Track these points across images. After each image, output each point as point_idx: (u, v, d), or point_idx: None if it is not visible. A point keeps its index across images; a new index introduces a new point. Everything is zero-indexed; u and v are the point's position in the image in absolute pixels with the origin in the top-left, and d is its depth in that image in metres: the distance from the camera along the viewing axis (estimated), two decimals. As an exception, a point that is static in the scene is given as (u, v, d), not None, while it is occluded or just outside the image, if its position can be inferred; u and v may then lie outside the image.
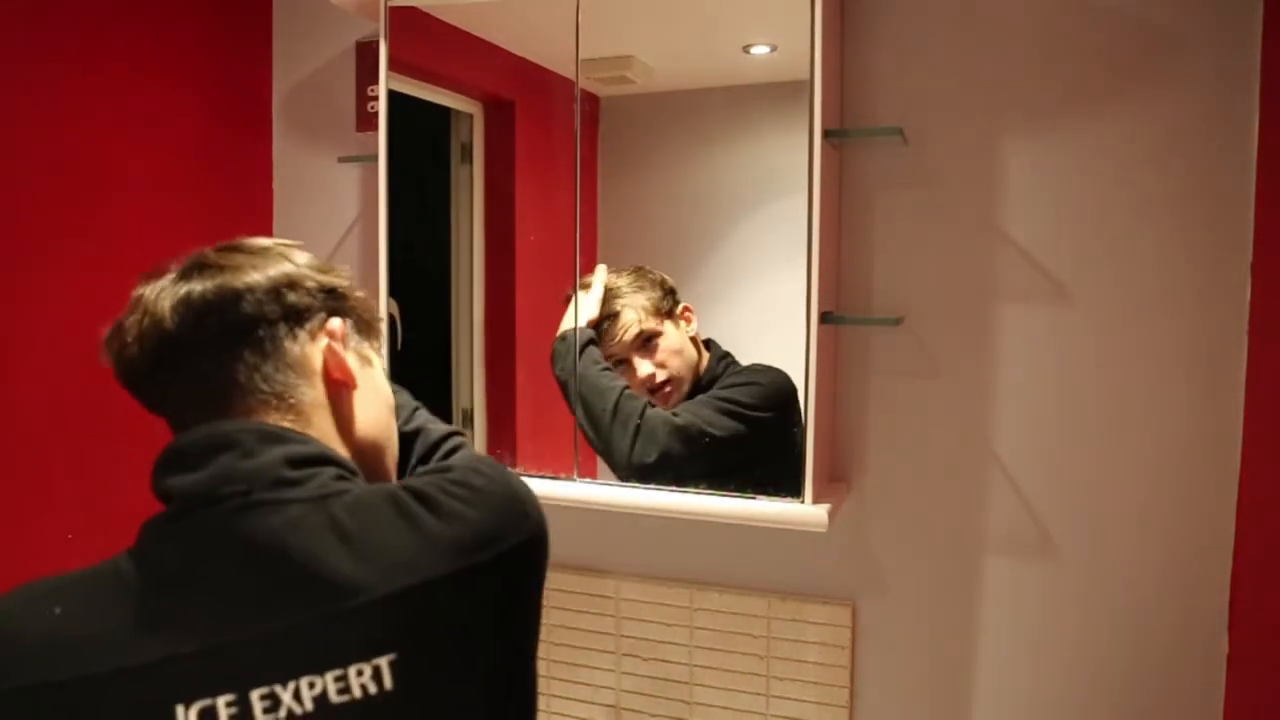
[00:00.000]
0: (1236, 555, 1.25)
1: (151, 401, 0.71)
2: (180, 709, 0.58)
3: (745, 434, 1.33)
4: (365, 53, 1.66)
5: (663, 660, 1.53)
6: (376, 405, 0.77)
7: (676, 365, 1.40)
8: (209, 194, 1.65)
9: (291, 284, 0.71)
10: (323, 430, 0.71)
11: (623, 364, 1.41)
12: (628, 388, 1.37)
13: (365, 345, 0.78)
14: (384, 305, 1.49)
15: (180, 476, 0.64)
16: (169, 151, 1.57)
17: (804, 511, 1.26)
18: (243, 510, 0.62)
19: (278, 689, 0.59)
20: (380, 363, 0.81)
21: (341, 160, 1.66)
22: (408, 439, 0.89)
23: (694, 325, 1.42)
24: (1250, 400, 1.24)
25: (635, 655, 1.55)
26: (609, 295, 1.40)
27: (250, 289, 0.69)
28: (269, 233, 1.78)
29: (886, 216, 1.39)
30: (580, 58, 1.37)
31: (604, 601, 1.56)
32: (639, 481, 1.35)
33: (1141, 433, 1.30)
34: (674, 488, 1.33)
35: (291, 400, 0.70)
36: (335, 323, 0.74)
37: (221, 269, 0.70)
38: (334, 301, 0.75)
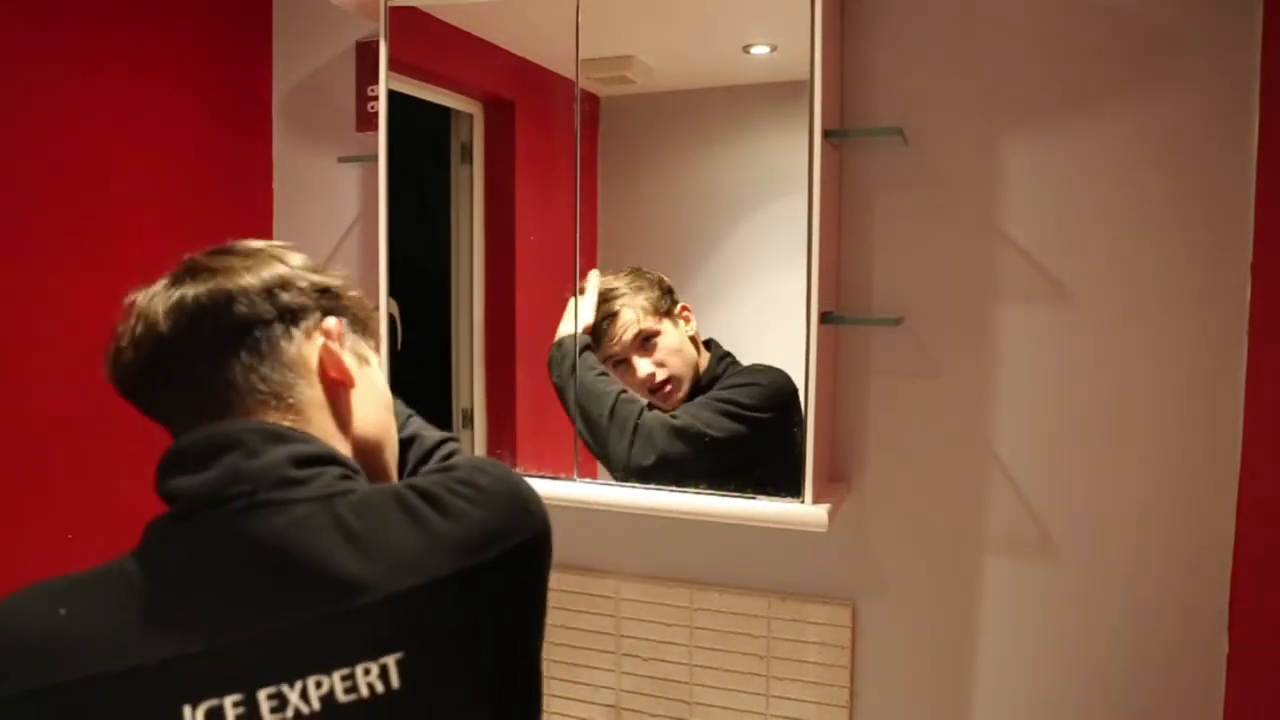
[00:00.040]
0: (1236, 555, 1.25)
1: (149, 407, 0.71)
2: (187, 709, 0.58)
3: (745, 434, 1.33)
4: (365, 53, 1.66)
5: (663, 660, 1.53)
6: (375, 404, 0.77)
7: (676, 364, 1.40)
8: (209, 194, 1.65)
9: (285, 284, 0.71)
10: (322, 429, 0.71)
11: (622, 364, 1.41)
12: (624, 391, 1.37)
13: (361, 344, 0.78)
14: (384, 305, 1.49)
15: (185, 477, 0.64)
16: (169, 151, 1.57)
17: (804, 511, 1.26)
18: (248, 510, 0.62)
19: (284, 689, 0.59)
20: (377, 361, 0.81)
21: (341, 160, 1.66)
22: (402, 446, 0.89)
23: (693, 324, 1.42)
24: (1250, 400, 1.24)
25: (635, 655, 1.55)
26: (607, 296, 1.40)
27: (244, 290, 0.69)
28: (269, 233, 1.78)
29: (886, 216, 1.39)
30: (580, 58, 1.37)
31: (604, 601, 1.56)
32: (639, 483, 1.35)
33: (1141, 433, 1.30)
34: (674, 488, 1.33)
35: (290, 400, 0.70)
36: (331, 321, 0.74)
37: (214, 272, 0.70)
38: (328, 301, 0.75)
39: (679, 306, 1.42)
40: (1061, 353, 1.33)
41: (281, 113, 1.78)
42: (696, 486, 1.32)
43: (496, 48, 1.48)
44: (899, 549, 1.42)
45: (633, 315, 1.39)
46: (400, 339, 1.52)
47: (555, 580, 0.74)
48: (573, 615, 1.57)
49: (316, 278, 0.74)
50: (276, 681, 0.59)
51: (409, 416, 0.95)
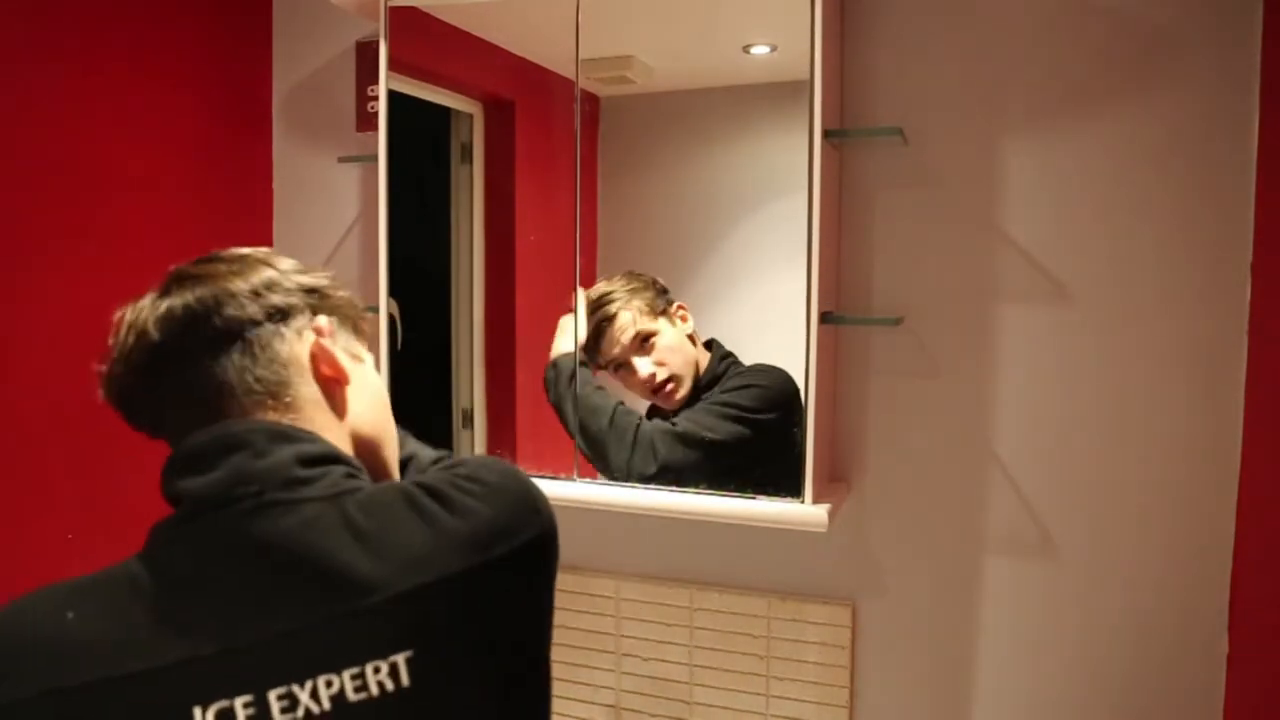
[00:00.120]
0: (1236, 555, 1.25)
1: (146, 419, 0.70)
2: (198, 711, 0.58)
3: (747, 436, 1.33)
4: (365, 53, 1.66)
5: (663, 660, 1.53)
6: (371, 400, 0.77)
7: (676, 363, 1.40)
8: (209, 194, 1.65)
9: (272, 286, 0.71)
10: (322, 427, 0.71)
11: (623, 367, 1.41)
12: (621, 403, 1.38)
13: (354, 343, 0.78)
14: (384, 305, 1.49)
15: (191, 479, 0.64)
16: (169, 151, 1.57)
17: (804, 511, 1.26)
18: (256, 511, 0.62)
19: (295, 689, 0.59)
20: (372, 361, 0.81)
21: (341, 160, 1.66)
22: (401, 467, 0.89)
23: (690, 323, 1.42)
24: (1250, 400, 1.24)
25: (635, 655, 1.55)
26: (602, 300, 1.40)
27: (232, 294, 0.69)
28: (269, 233, 1.78)
29: (886, 216, 1.39)
30: (580, 58, 1.37)
31: (604, 601, 1.56)
32: (639, 484, 1.35)
33: (1141, 433, 1.30)
34: (674, 488, 1.33)
35: (287, 398, 0.70)
36: (322, 320, 0.74)
37: (201, 279, 0.70)
38: (317, 300, 0.75)
39: (674, 306, 1.42)
40: (1061, 353, 1.33)
41: (281, 113, 1.78)
42: (696, 487, 1.32)
43: (496, 48, 1.48)
44: (899, 549, 1.42)
45: (630, 317, 1.39)
46: (400, 339, 1.52)
47: (556, 580, 0.74)
48: (573, 615, 1.57)
49: (303, 278, 0.75)
50: (287, 682, 0.59)
51: (404, 435, 0.96)
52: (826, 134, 1.25)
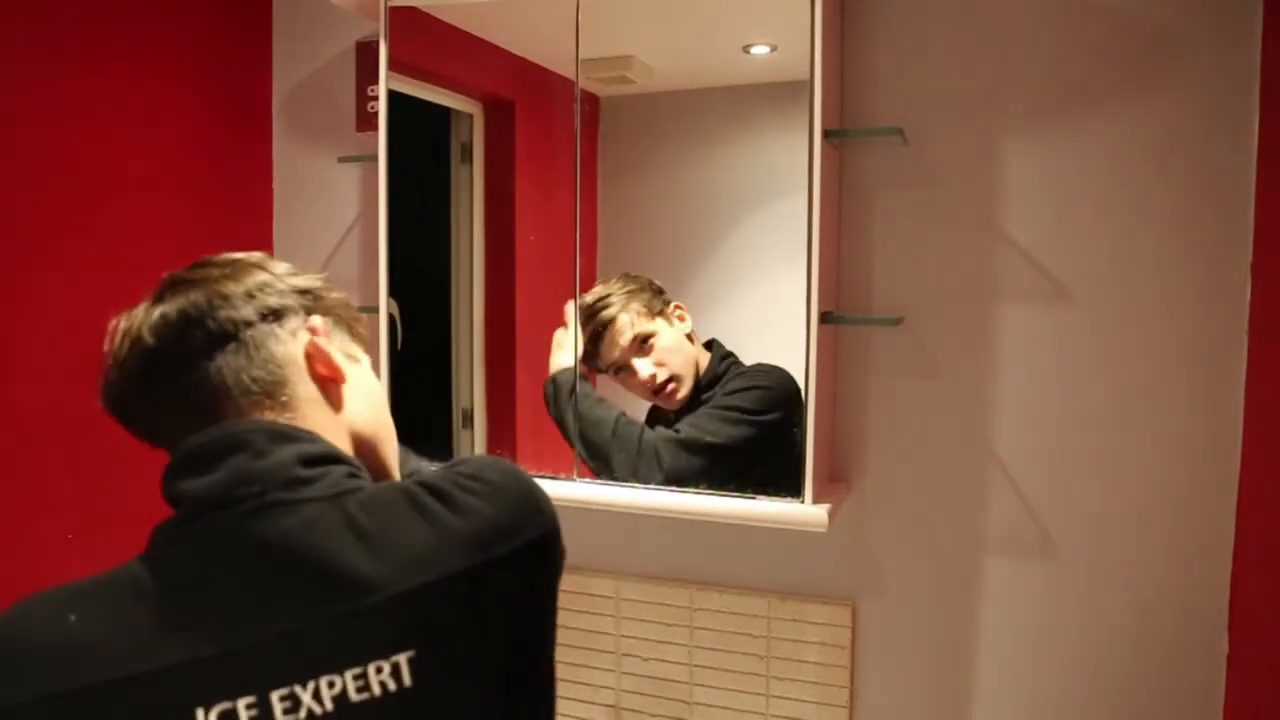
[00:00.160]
0: (1236, 555, 1.25)
1: (143, 425, 0.71)
2: (200, 712, 0.58)
3: (751, 438, 1.33)
4: (365, 53, 1.66)
5: (663, 660, 1.53)
6: (368, 399, 0.77)
7: (676, 362, 1.40)
8: (209, 194, 1.65)
9: (264, 287, 0.72)
10: (319, 426, 0.71)
11: (624, 370, 1.41)
12: (623, 414, 1.38)
13: (350, 344, 0.78)
14: (384, 305, 1.49)
15: (192, 480, 0.64)
16: (169, 151, 1.57)
17: (804, 511, 1.26)
18: (257, 512, 0.62)
19: (297, 689, 0.59)
20: (368, 363, 0.80)
21: (341, 160, 1.66)
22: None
23: (688, 323, 1.42)
24: (1250, 400, 1.24)
25: (635, 655, 1.55)
26: (599, 305, 1.40)
27: (226, 296, 0.69)
28: (269, 233, 1.78)
29: (886, 216, 1.39)
30: (580, 58, 1.37)
31: (604, 601, 1.56)
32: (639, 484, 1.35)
33: (1141, 433, 1.30)
34: (674, 488, 1.33)
35: (284, 398, 0.70)
36: (316, 320, 0.74)
37: (194, 283, 0.70)
38: (310, 301, 0.75)
39: (672, 306, 1.42)
40: (1061, 353, 1.33)
41: (281, 113, 1.78)
42: (697, 487, 1.32)
43: (496, 48, 1.48)
44: (899, 549, 1.42)
45: (628, 319, 1.40)
46: (400, 339, 1.52)
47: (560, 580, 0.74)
48: (573, 615, 1.57)
49: (297, 280, 0.75)
50: (289, 682, 0.59)
51: (406, 454, 0.96)
52: (826, 134, 1.25)
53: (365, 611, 0.61)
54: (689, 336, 1.42)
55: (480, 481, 0.68)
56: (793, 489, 1.27)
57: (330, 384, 0.73)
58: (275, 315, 0.71)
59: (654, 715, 1.55)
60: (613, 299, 1.40)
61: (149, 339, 0.68)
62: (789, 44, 1.27)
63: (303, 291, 0.74)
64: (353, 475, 0.68)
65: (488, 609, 0.65)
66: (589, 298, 1.41)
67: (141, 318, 0.69)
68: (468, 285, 1.55)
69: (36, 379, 1.34)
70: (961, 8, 1.34)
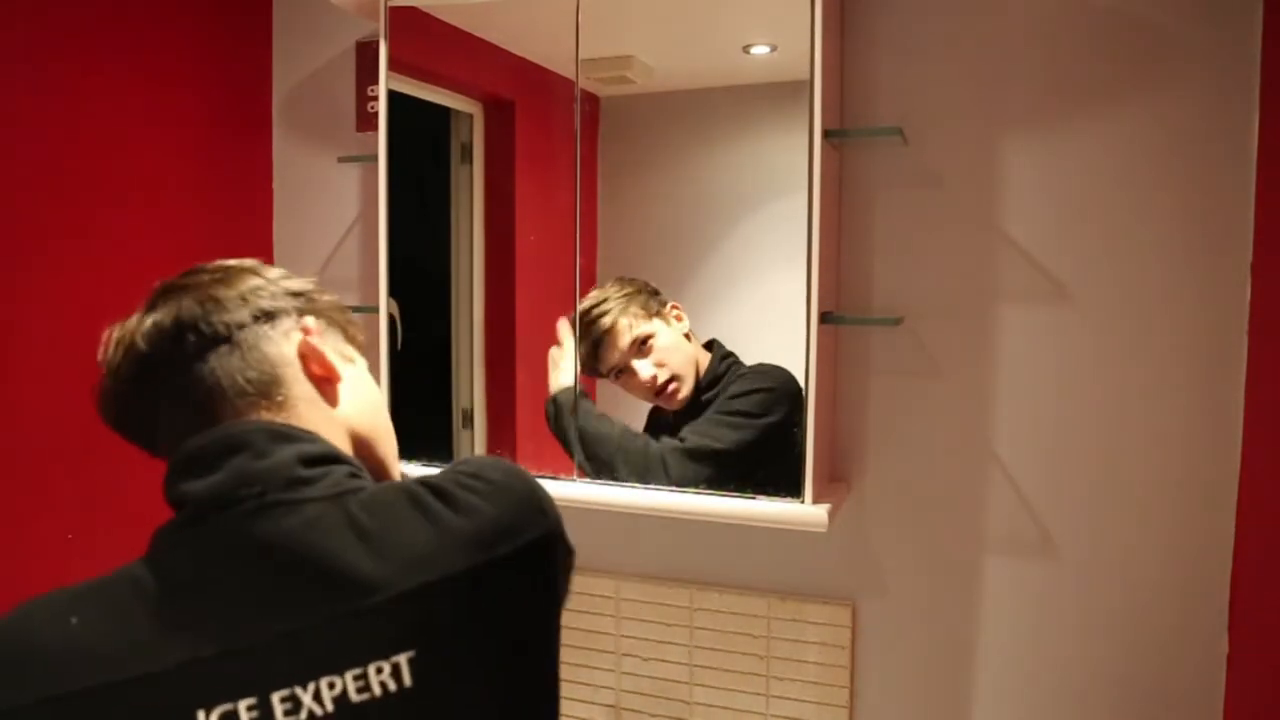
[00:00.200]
0: (1236, 555, 1.25)
1: (141, 433, 0.71)
2: (201, 714, 0.58)
3: (755, 442, 1.33)
4: (365, 53, 1.66)
5: (663, 660, 1.53)
6: (364, 398, 0.77)
7: (676, 361, 1.40)
8: (209, 194, 1.65)
9: (257, 291, 0.72)
10: (317, 425, 0.71)
11: (624, 372, 1.41)
12: (627, 428, 1.38)
13: (344, 346, 0.78)
14: (384, 305, 1.49)
15: (193, 481, 0.64)
16: (169, 152, 1.57)
17: (804, 511, 1.26)
18: (258, 512, 0.62)
19: (298, 690, 0.59)
20: (364, 365, 0.80)
21: (341, 160, 1.66)
22: None
23: (685, 322, 1.42)
24: (1250, 400, 1.24)
25: (635, 655, 1.55)
26: (596, 310, 1.40)
27: (218, 300, 0.70)
28: (269, 233, 1.78)
29: (886, 216, 1.39)
30: (580, 58, 1.37)
31: (604, 601, 1.56)
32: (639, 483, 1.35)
33: (1141, 433, 1.30)
34: (674, 488, 1.33)
35: (279, 398, 0.70)
36: (309, 320, 0.74)
37: (186, 289, 0.70)
38: (304, 304, 0.75)
39: (668, 306, 1.42)
40: (1061, 353, 1.33)
41: (281, 113, 1.78)
42: (697, 487, 1.32)
43: (496, 48, 1.48)
44: (899, 549, 1.42)
45: (625, 322, 1.40)
46: (400, 339, 1.52)
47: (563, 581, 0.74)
48: (573, 615, 1.57)
49: (289, 283, 0.75)
50: (290, 684, 0.59)
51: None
52: (826, 134, 1.25)
53: (366, 611, 0.61)
54: (687, 336, 1.42)
55: (483, 481, 0.68)
56: (793, 489, 1.27)
57: (325, 383, 0.73)
58: (268, 317, 0.72)
59: (654, 715, 1.55)
60: (609, 304, 1.40)
61: (143, 346, 0.68)
62: (789, 44, 1.27)
63: (295, 294, 0.75)
64: (354, 475, 0.68)
65: (489, 609, 0.65)
66: (585, 304, 1.40)
67: (134, 326, 0.69)
68: (468, 285, 1.55)
69: (36, 379, 1.34)
70: (961, 8, 1.34)
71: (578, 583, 1.55)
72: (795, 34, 1.23)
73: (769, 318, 1.34)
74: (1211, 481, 1.27)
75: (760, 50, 1.35)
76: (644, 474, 1.35)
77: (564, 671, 1.68)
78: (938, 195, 1.37)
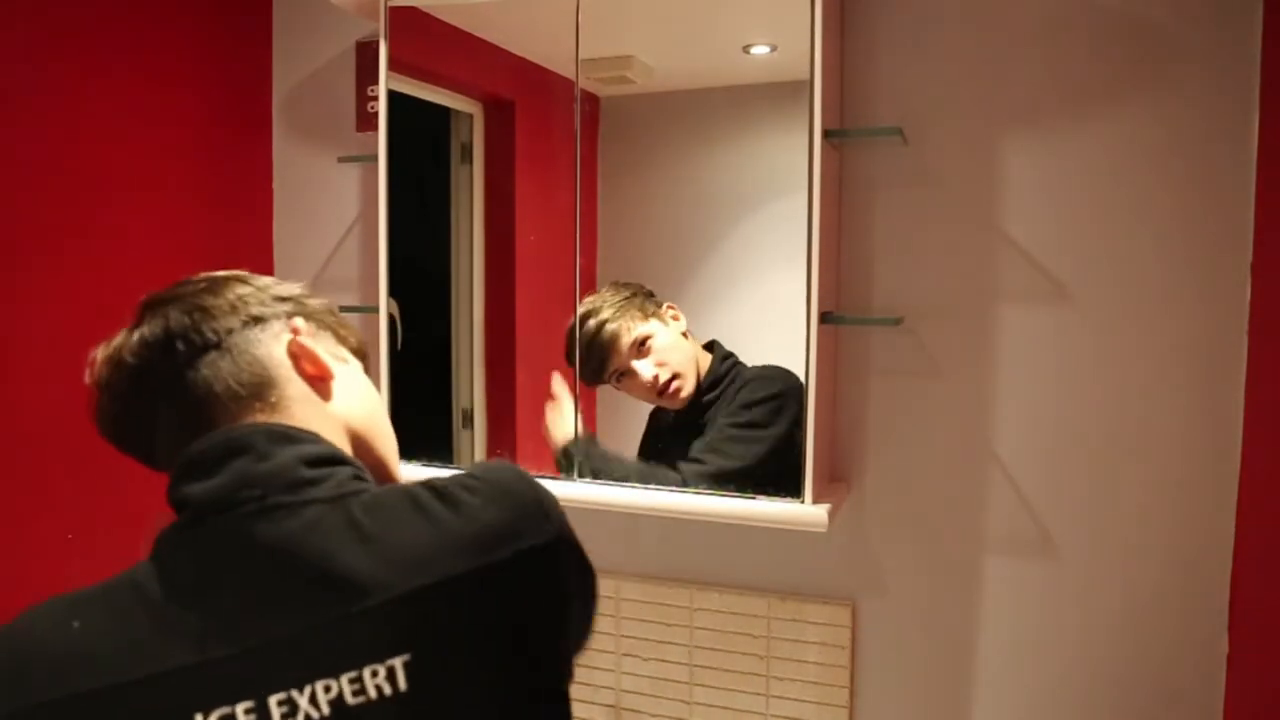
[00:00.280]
0: (1236, 555, 1.25)
1: (140, 445, 0.71)
2: (199, 717, 0.58)
3: (770, 451, 1.33)
4: (365, 53, 1.66)
5: (663, 660, 1.53)
6: (360, 396, 0.77)
7: (676, 360, 1.41)
8: (209, 194, 1.65)
9: (245, 298, 0.72)
10: (313, 425, 0.70)
11: (625, 375, 1.41)
12: (644, 465, 1.39)
13: (336, 347, 0.78)
14: (384, 305, 1.49)
15: (194, 484, 0.64)
16: (169, 151, 1.57)
17: (804, 511, 1.26)
18: (258, 515, 0.62)
19: (294, 694, 0.59)
20: (359, 366, 0.80)
21: (341, 160, 1.66)
22: None
23: (683, 322, 1.42)
24: (1250, 400, 1.24)
25: (635, 655, 1.55)
26: (595, 324, 1.40)
27: (205, 309, 0.70)
28: (269, 233, 1.78)
29: (886, 216, 1.39)
30: (580, 58, 1.37)
31: (604, 601, 1.56)
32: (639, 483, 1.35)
33: (1141, 433, 1.30)
34: (674, 488, 1.33)
35: (273, 399, 0.70)
36: (298, 321, 0.74)
37: (172, 301, 0.71)
38: (293, 307, 0.75)
39: (664, 307, 1.42)
40: (1061, 353, 1.33)
41: (281, 113, 1.78)
42: (683, 475, 1.32)
43: (496, 48, 1.48)
44: (899, 549, 1.42)
45: (624, 325, 1.40)
46: (400, 339, 1.52)
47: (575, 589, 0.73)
48: (573, 615, 1.57)
49: (277, 289, 0.75)
50: (287, 687, 0.59)
51: None
52: (826, 134, 1.25)
53: (361, 614, 0.60)
54: (685, 335, 1.42)
55: (487, 484, 0.68)
56: (793, 489, 1.27)
57: (319, 382, 0.73)
58: (257, 321, 0.72)
59: (654, 715, 1.55)
60: (606, 308, 1.40)
61: (132, 360, 0.69)
62: (789, 44, 1.27)
63: (284, 299, 0.75)
64: (358, 478, 0.68)
65: (489, 612, 0.65)
66: (582, 309, 1.40)
67: (121, 343, 0.70)
68: (468, 285, 1.55)
69: (36, 379, 1.34)
70: (961, 8, 1.34)
71: (578, 583, 1.56)
72: (795, 34, 1.23)
73: (769, 318, 1.34)
74: (1211, 481, 1.27)
75: (760, 50, 1.35)
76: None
77: (564, 671, 1.66)
78: (938, 195, 1.37)
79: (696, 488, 1.33)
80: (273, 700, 0.59)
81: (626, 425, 1.45)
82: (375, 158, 1.49)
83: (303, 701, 0.59)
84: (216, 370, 0.68)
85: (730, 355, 1.41)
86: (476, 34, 1.47)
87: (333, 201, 1.74)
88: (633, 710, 1.56)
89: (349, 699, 0.59)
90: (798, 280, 1.24)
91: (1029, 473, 1.35)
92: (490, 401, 1.56)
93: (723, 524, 1.37)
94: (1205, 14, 1.24)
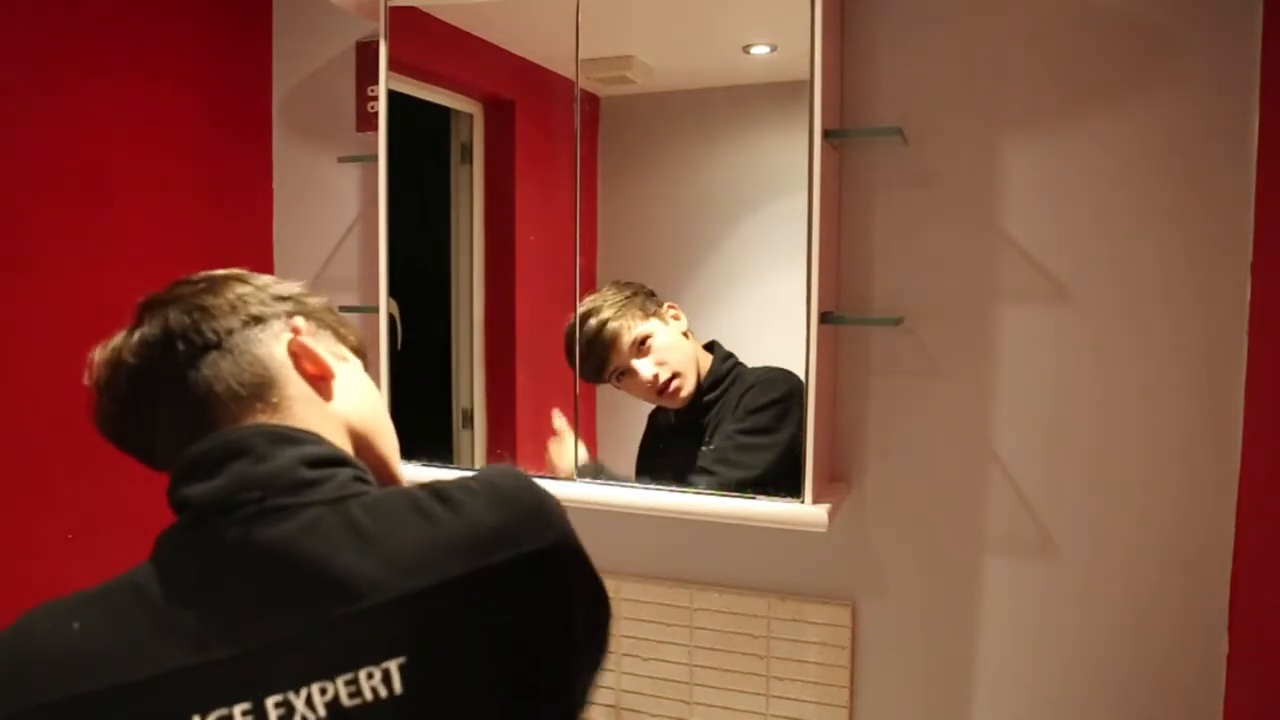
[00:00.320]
0: (1236, 555, 1.25)
1: (141, 446, 0.71)
2: (196, 718, 0.58)
3: (778, 456, 1.33)
4: (365, 53, 1.66)
5: (663, 660, 1.53)
6: (360, 395, 0.77)
7: (676, 358, 1.40)
8: (209, 194, 1.65)
9: (244, 298, 0.72)
10: (314, 425, 0.70)
11: (625, 374, 1.41)
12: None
13: (336, 346, 0.78)
14: (384, 305, 1.49)
15: (195, 486, 0.64)
16: (169, 151, 1.57)
17: (804, 511, 1.26)
18: (257, 517, 0.62)
19: (291, 696, 0.59)
20: (360, 365, 0.80)
21: (341, 160, 1.66)
22: None
23: (683, 321, 1.42)
24: (1250, 400, 1.24)
25: (635, 655, 1.55)
26: (595, 324, 1.40)
27: (205, 309, 0.70)
28: (269, 233, 1.78)
29: (886, 216, 1.39)
30: (580, 58, 1.37)
31: (604, 601, 1.56)
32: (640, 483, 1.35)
33: (1141, 433, 1.30)
34: (674, 487, 1.33)
35: (274, 399, 0.69)
36: (298, 320, 0.74)
37: (171, 301, 0.70)
38: (292, 307, 0.75)
39: (664, 306, 1.42)
40: (1061, 353, 1.33)
41: (281, 113, 1.78)
42: (696, 487, 1.32)
43: (496, 48, 1.48)
44: (899, 549, 1.42)
45: (624, 324, 1.40)
46: (400, 339, 1.52)
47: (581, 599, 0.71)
48: (573, 615, 1.57)
49: (277, 288, 0.75)
50: (284, 688, 0.59)
51: None
52: (826, 134, 1.25)
53: (358, 616, 0.60)
54: (685, 335, 1.42)
55: (488, 488, 0.67)
56: (793, 489, 1.27)
57: (319, 381, 0.73)
58: (257, 321, 0.71)
59: (654, 715, 1.55)
60: (606, 308, 1.40)
61: (132, 360, 0.68)
62: (789, 44, 1.27)
63: (283, 298, 0.74)
64: (359, 479, 0.68)
65: (485, 614, 0.64)
66: (583, 308, 1.40)
67: (121, 344, 0.70)
68: (468, 285, 1.55)
69: (36, 379, 1.34)
70: (962, 8, 1.34)
71: (578, 583, 1.56)
72: (795, 34, 1.23)
73: (769, 318, 1.34)
74: (1211, 481, 1.27)
75: (760, 50, 1.35)
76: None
77: (564, 671, 1.66)
78: (938, 195, 1.37)
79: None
80: (270, 702, 0.59)
81: (626, 425, 1.45)
82: (375, 158, 1.49)
83: (299, 703, 0.59)
84: (217, 370, 0.68)
85: (731, 355, 1.41)
86: (476, 34, 1.47)
87: (333, 201, 1.74)
88: (633, 710, 1.56)
89: (345, 701, 0.59)
90: (798, 280, 1.24)
91: (1029, 473, 1.35)
92: (490, 401, 1.56)
93: (723, 524, 1.38)
94: (1205, 14, 1.24)
